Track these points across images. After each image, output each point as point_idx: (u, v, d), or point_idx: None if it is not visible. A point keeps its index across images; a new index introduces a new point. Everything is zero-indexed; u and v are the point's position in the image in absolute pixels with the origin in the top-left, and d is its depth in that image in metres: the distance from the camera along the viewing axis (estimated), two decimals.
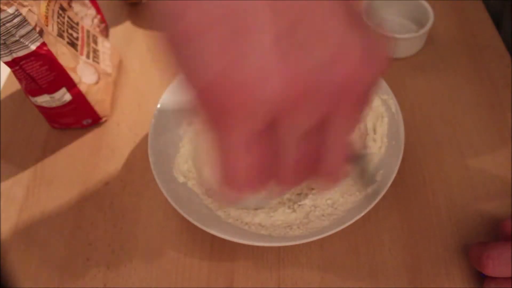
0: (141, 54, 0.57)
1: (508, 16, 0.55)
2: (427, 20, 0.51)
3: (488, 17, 0.56)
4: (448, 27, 0.56)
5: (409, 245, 0.40)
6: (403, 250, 0.40)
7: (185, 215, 0.37)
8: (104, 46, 0.53)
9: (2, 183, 0.47)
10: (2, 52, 0.40)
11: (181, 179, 0.42)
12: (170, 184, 0.40)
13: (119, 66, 0.56)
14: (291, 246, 0.40)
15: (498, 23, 0.56)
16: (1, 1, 0.37)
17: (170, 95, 0.46)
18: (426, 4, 0.52)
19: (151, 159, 0.41)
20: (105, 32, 0.58)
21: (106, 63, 0.52)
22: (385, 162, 0.41)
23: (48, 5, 0.43)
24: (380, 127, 0.43)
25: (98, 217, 0.44)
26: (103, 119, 0.50)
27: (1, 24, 0.38)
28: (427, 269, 0.39)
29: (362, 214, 0.36)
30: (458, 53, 0.53)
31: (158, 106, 0.44)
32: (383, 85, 0.44)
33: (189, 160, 0.44)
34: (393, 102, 0.43)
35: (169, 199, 0.38)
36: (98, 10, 0.56)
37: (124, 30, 0.60)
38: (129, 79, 0.55)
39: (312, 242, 0.39)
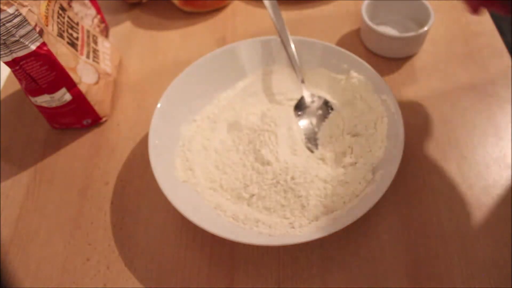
0: (141, 54, 0.57)
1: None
2: (427, 20, 0.51)
3: (488, 17, 0.56)
4: (448, 27, 0.56)
5: (409, 245, 0.40)
6: (403, 250, 0.40)
7: (185, 215, 0.37)
8: (104, 46, 0.53)
9: (2, 183, 0.47)
10: (2, 52, 0.40)
11: (181, 179, 0.42)
12: (170, 184, 0.40)
13: (119, 66, 0.56)
14: (291, 246, 0.40)
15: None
16: (1, 1, 0.37)
17: (170, 94, 0.46)
18: (426, 4, 0.52)
19: (151, 159, 0.41)
20: (105, 32, 0.58)
21: (106, 63, 0.52)
22: (385, 163, 0.41)
23: (48, 5, 0.43)
24: (380, 127, 0.43)
25: (98, 217, 0.44)
26: (103, 119, 0.50)
27: (1, 24, 0.38)
28: (427, 269, 0.39)
29: (362, 213, 0.36)
30: (458, 53, 0.53)
31: (158, 106, 0.44)
32: (383, 85, 0.44)
33: (189, 160, 0.44)
34: (392, 102, 0.43)
35: (169, 199, 0.38)
36: (98, 10, 0.56)
37: (124, 30, 0.60)
38: (129, 79, 0.55)
39: (312, 242, 0.39)
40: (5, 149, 0.49)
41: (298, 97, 0.48)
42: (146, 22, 0.61)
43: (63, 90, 0.45)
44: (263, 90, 0.50)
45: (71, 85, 0.45)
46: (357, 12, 0.59)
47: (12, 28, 0.38)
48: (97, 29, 0.55)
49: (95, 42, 0.51)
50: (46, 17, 0.42)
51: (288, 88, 0.49)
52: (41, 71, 0.42)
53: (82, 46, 0.48)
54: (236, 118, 0.47)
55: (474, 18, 0.57)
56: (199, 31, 0.59)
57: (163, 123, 0.44)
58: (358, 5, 0.59)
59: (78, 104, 0.47)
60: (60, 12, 0.46)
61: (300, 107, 0.47)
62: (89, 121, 0.49)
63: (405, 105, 0.49)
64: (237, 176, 0.43)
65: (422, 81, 0.51)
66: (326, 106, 0.47)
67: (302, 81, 0.48)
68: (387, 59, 0.53)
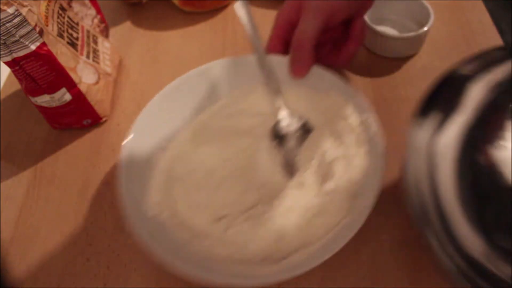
0: (141, 54, 0.57)
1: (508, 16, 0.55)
2: (427, 20, 0.51)
3: (488, 17, 0.56)
4: (448, 27, 0.56)
5: (409, 245, 0.40)
6: (403, 250, 0.40)
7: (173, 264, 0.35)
8: (104, 46, 0.53)
9: (2, 183, 0.47)
10: (2, 52, 0.40)
11: (151, 212, 0.40)
12: (139, 218, 0.38)
13: (119, 66, 0.56)
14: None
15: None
16: (1, 1, 0.37)
17: (143, 122, 0.43)
18: (426, 4, 0.52)
19: (121, 191, 0.39)
20: (105, 32, 0.58)
21: (106, 63, 0.52)
22: (365, 187, 0.39)
23: (48, 5, 0.43)
24: (360, 149, 0.41)
25: (98, 217, 0.44)
26: (103, 119, 0.50)
27: (1, 24, 0.38)
28: (427, 269, 0.38)
29: (339, 248, 0.35)
30: (458, 53, 0.53)
31: (131, 136, 0.42)
32: (364, 104, 0.42)
33: (162, 189, 0.42)
34: (372, 122, 0.41)
35: (139, 238, 0.37)
36: (98, 10, 0.56)
37: (124, 30, 0.60)
38: (129, 79, 0.55)
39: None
40: (5, 149, 0.49)
41: (277, 118, 0.44)
42: (146, 22, 0.61)
43: (63, 90, 0.45)
44: (240, 112, 0.47)
45: (71, 85, 0.45)
46: None
47: (12, 28, 0.38)
48: (97, 29, 0.55)
49: (95, 42, 0.51)
50: (46, 17, 0.42)
51: (266, 109, 0.45)
52: (41, 71, 0.42)
53: (82, 46, 0.48)
54: (211, 142, 0.45)
55: (474, 17, 0.57)
56: (199, 31, 0.59)
57: (136, 152, 0.42)
58: None
59: (78, 104, 0.47)
60: (60, 12, 0.46)
61: (278, 129, 0.44)
62: (89, 121, 0.49)
63: (405, 105, 0.49)
64: (211, 207, 0.41)
65: (422, 81, 0.51)
66: (306, 127, 0.44)
67: (279, 97, 0.44)
68: (387, 59, 0.53)
